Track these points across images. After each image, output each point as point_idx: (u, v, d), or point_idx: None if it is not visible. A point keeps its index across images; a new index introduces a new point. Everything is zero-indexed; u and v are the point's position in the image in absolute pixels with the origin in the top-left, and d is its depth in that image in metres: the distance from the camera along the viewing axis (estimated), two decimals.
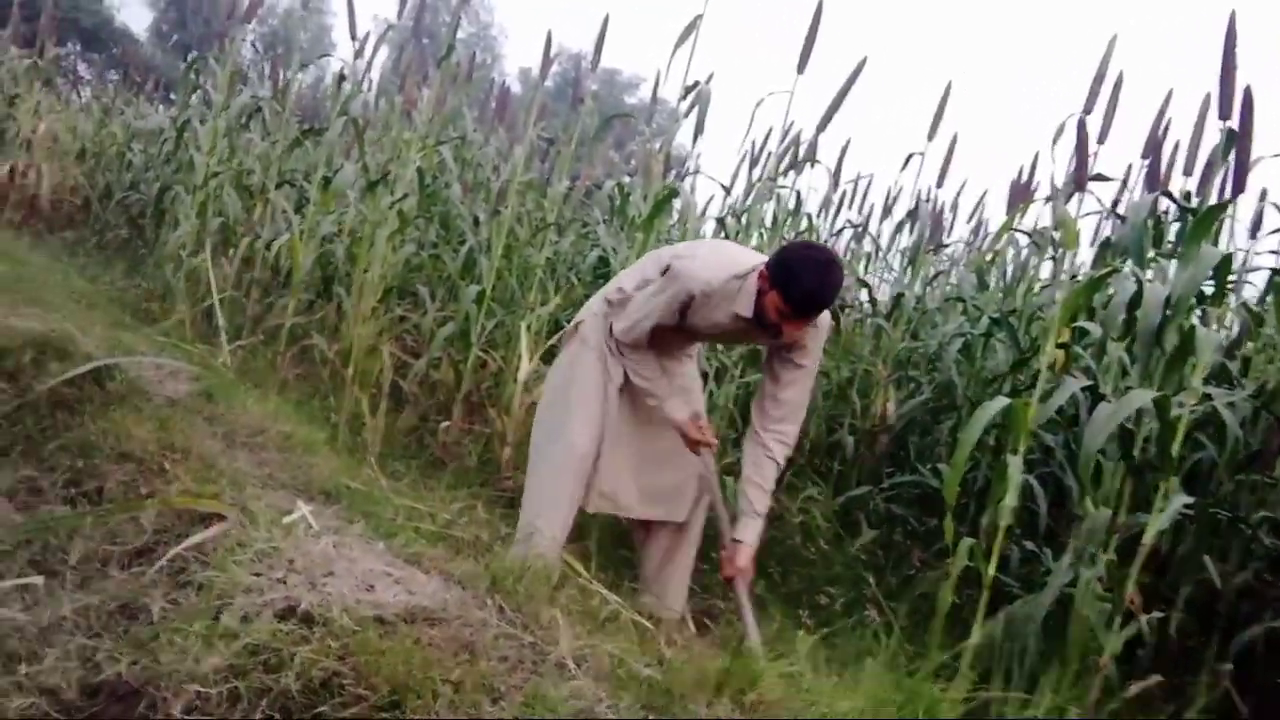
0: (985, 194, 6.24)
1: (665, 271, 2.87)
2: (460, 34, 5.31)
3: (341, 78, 5.46)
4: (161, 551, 2.04)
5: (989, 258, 4.75)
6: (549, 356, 4.25)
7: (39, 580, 1.98)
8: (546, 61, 4.60)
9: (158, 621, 1.77)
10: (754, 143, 5.42)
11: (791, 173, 4.71)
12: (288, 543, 2.05)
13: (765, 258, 2.81)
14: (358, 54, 5.31)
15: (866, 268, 6.19)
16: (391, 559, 2.11)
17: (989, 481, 3.06)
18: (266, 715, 1.56)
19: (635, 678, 1.80)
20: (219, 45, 6.87)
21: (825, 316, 2.89)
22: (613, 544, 3.27)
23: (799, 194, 5.54)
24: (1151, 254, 3.08)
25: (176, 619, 1.76)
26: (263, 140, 6.08)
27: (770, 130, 4.19)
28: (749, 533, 2.90)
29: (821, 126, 3.99)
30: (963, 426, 3.26)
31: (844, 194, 6.22)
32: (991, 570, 2.68)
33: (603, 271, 4.94)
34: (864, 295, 5.43)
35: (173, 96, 9.41)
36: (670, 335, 2.96)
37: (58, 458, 2.53)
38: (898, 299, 4.81)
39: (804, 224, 5.56)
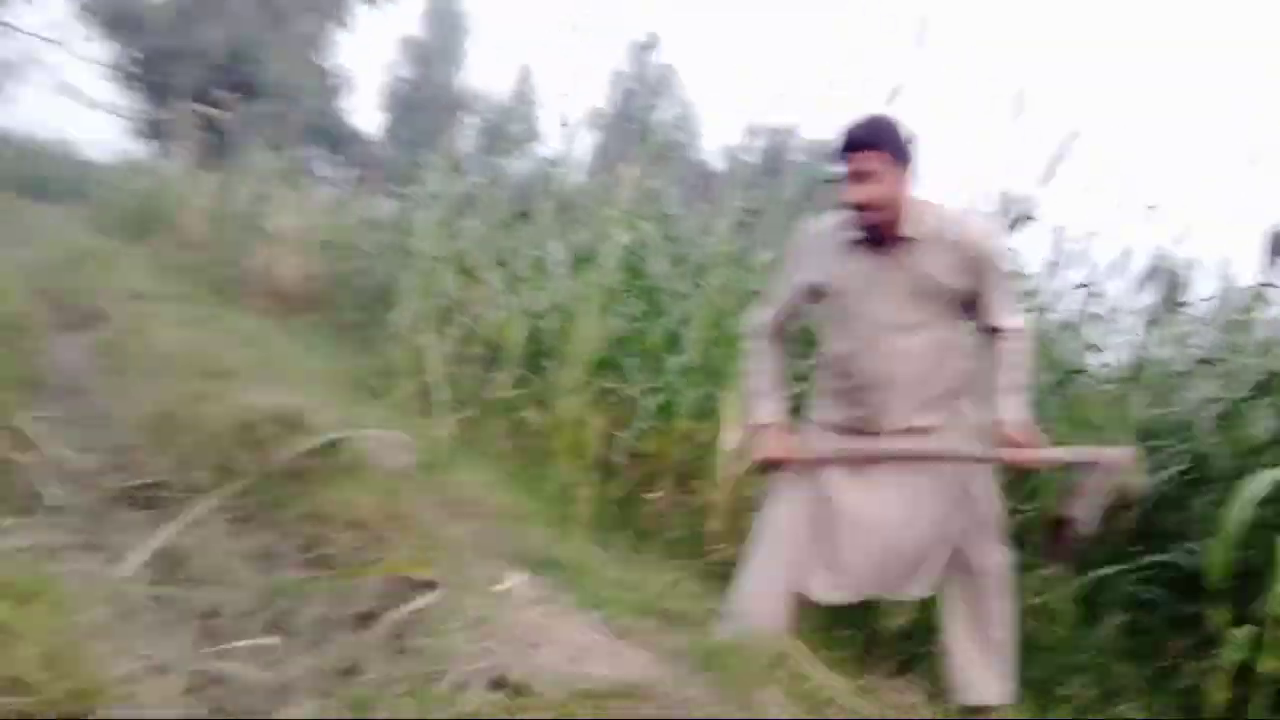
0: (1238, 244, 5.67)
1: None
2: (665, 114, 5.42)
3: (551, 162, 5.69)
4: (383, 616, 2.10)
5: (1246, 314, 4.28)
6: None
7: (275, 641, 2.07)
8: (749, 136, 4.62)
9: (377, 686, 1.80)
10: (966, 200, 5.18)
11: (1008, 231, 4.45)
12: (499, 611, 2.05)
13: None
14: (566, 139, 5.53)
15: (1100, 331, 5.74)
16: (601, 630, 2.08)
17: (1263, 561, 2.70)
18: None
19: None
20: (441, 139, 7.37)
21: (968, 228, 2.49)
22: (832, 622, 3.10)
23: (1016, 254, 5.26)
24: None
25: (394, 684, 1.78)
26: (479, 224, 6.39)
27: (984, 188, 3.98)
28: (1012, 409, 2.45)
29: (1043, 180, 3.75)
30: (1224, 501, 2.90)
31: (1069, 252, 5.85)
32: (1271, 664, 2.35)
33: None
34: (1098, 360, 5.02)
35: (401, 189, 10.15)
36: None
37: (294, 524, 2.67)
38: (1138, 363, 4.41)
39: (1025, 285, 5.25)
